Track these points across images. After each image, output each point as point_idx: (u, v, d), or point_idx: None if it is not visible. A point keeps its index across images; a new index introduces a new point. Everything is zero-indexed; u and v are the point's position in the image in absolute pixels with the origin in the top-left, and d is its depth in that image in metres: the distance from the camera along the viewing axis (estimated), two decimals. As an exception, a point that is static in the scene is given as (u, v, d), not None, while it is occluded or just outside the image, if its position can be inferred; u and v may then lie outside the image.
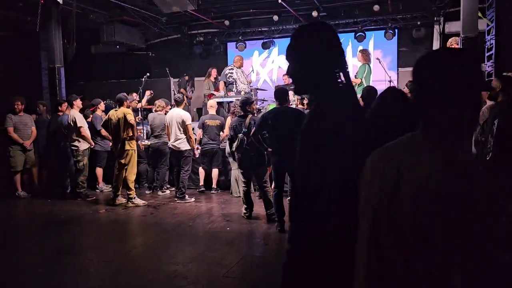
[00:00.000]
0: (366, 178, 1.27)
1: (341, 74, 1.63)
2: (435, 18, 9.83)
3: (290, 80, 8.31)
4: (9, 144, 7.03)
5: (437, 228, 1.02)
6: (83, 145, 6.76)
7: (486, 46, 7.06)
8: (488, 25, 7.03)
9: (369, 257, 1.18)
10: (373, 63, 8.56)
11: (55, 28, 7.86)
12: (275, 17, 10.49)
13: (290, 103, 7.22)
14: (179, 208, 6.16)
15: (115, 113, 6.31)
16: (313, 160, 1.58)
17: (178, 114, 6.51)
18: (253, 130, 5.10)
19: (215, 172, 7.07)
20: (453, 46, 6.53)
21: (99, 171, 7.50)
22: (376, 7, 9.57)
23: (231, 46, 11.89)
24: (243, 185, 5.51)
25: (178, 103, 6.68)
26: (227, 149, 6.80)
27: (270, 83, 11.70)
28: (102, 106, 7.56)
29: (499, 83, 4.83)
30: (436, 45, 9.91)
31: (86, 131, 6.74)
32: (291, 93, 7.74)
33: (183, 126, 6.45)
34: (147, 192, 7.25)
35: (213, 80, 9.66)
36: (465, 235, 1.00)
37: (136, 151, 6.45)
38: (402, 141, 1.29)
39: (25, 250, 4.62)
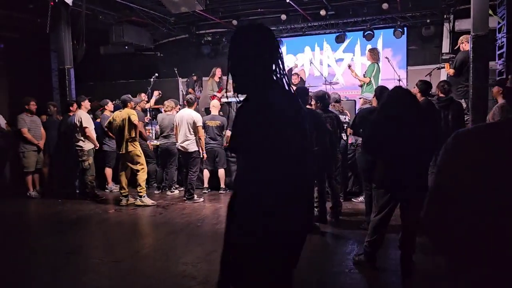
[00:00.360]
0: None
1: (278, 75, 1.69)
2: (445, 16, 9.72)
3: (299, 80, 8.33)
4: (21, 145, 7.11)
5: None
6: (87, 145, 6.80)
7: (497, 44, 6.97)
8: (499, 22, 6.93)
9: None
10: (382, 62, 8.50)
11: (64, 29, 7.92)
12: (283, 16, 10.47)
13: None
14: (188, 208, 6.18)
15: (120, 114, 6.38)
16: (243, 157, 1.64)
17: (189, 115, 6.52)
18: None
19: (221, 172, 7.08)
20: (463, 44, 6.47)
21: (108, 171, 7.56)
22: (385, 5, 9.49)
23: (239, 45, 11.88)
24: None
25: (189, 104, 6.69)
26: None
27: (278, 82, 11.67)
28: (110, 106, 7.61)
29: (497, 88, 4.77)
30: (446, 43, 9.80)
31: (91, 132, 6.77)
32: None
33: (194, 127, 6.46)
34: (156, 192, 7.29)
35: (218, 80, 9.66)
36: None
37: (141, 151, 6.47)
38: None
39: (36, 249, 4.66)
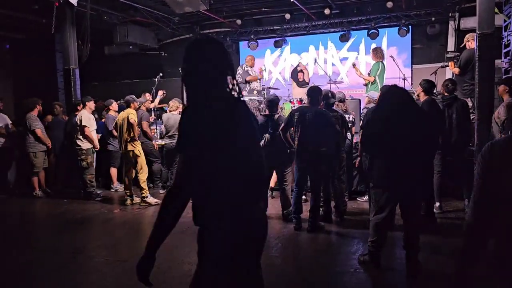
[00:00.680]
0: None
1: (228, 86, 1.84)
2: (450, 14, 9.65)
3: (303, 78, 8.27)
4: (33, 145, 7.16)
5: None
6: (86, 144, 6.82)
7: (503, 43, 6.92)
8: (505, 20, 6.89)
9: None
10: (387, 61, 8.46)
11: (69, 30, 7.95)
12: (287, 16, 10.45)
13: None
14: (193, 208, 6.17)
15: (122, 114, 6.45)
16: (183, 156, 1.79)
17: (191, 114, 6.53)
18: (282, 126, 5.06)
19: None
20: (469, 42, 6.42)
21: (113, 171, 7.58)
22: (389, 4, 9.45)
23: (243, 45, 11.90)
24: None
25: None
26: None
27: (283, 81, 11.67)
28: (115, 106, 7.64)
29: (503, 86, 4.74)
30: (451, 41, 9.74)
31: (90, 132, 6.78)
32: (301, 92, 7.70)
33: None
34: (161, 191, 7.30)
35: None
36: None
37: (141, 151, 6.47)
38: None
39: (41, 249, 4.69)
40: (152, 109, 8.55)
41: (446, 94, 5.33)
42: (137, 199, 6.53)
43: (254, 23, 11.44)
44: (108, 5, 9.24)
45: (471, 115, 5.80)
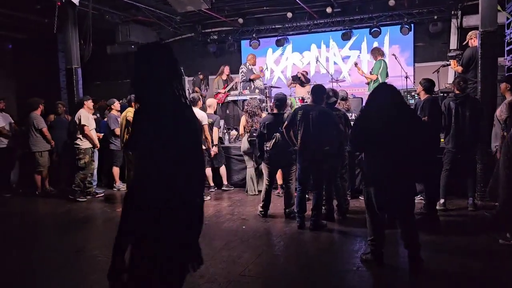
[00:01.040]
0: None
1: (175, 90, 1.95)
2: (453, 12, 9.63)
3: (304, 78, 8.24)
4: (39, 144, 7.19)
5: None
6: (85, 144, 6.81)
7: (506, 40, 6.90)
8: (508, 18, 6.86)
9: None
10: (389, 59, 8.45)
11: (71, 29, 7.96)
12: (289, 14, 10.44)
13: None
14: (195, 207, 6.18)
15: (123, 114, 6.51)
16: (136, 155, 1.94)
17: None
18: (285, 124, 5.05)
19: (222, 169, 7.10)
20: (472, 40, 6.40)
21: (116, 170, 7.59)
22: (391, 2, 9.43)
23: (245, 44, 11.90)
24: (266, 182, 5.49)
25: (193, 103, 6.68)
26: (243, 147, 6.81)
27: (284, 80, 11.66)
28: (117, 106, 7.64)
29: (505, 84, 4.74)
30: (453, 39, 9.71)
31: (89, 131, 6.77)
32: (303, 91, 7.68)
33: (199, 126, 6.46)
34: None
35: (225, 78, 9.69)
36: None
37: None
38: None
39: (44, 248, 4.71)
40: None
41: (458, 92, 5.33)
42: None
43: (256, 22, 11.43)
44: (110, 5, 9.26)
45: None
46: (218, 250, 4.26)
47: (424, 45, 10.46)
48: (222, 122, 7.70)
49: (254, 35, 11.35)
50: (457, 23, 9.60)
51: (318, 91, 5.02)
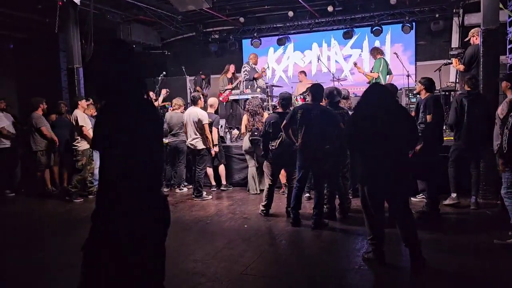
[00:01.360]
0: None
1: (139, 89, 2.06)
2: (454, 10, 9.61)
3: (306, 78, 8.33)
4: (40, 144, 7.20)
5: None
6: (83, 145, 6.77)
7: (508, 38, 6.88)
8: (509, 16, 6.84)
9: None
10: (391, 58, 8.43)
11: (73, 29, 7.97)
12: (290, 13, 10.43)
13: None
14: (197, 206, 6.20)
15: None
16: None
17: (195, 113, 6.53)
18: (284, 123, 5.03)
19: (221, 168, 7.09)
20: (474, 38, 6.39)
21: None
22: (393, 1, 9.41)
23: (246, 43, 11.90)
24: (269, 182, 5.48)
25: (194, 102, 6.69)
26: (244, 146, 6.81)
27: (286, 79, 11.67)
28: None
29: (506, 82, 4.74)
30: (455, 38, 9.69)
31: (88, 131, 6.73)
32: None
33: (200, 125, 6.46)
34: (165, 189, 7.31)
35: (230, 76, 9.71)
36: None
37: None
38: None
39: (47, 248, 4.71)
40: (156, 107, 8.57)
41: (469, 89, 5.35)
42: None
43: (257, 21, 11.43)
44: (111, 4, 9.26)
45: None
46: (220, 249, 4.26)
47: (426, 44, 10.44)
48: (223, 122, 7.69)
49: (255, 34, 11.35)
50: (459, 21, 9.58)
51: (318, 90, 5.02)
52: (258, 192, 6.72)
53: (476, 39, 6.29)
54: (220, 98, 9.42)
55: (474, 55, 6.21)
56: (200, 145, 6.51)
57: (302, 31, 11.29)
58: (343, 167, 5.45)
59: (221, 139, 7.42)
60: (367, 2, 10.24)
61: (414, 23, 10.20)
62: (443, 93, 7.77)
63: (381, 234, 3.68)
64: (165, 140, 7.50)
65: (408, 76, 7.93)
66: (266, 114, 6.85)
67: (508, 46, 6.86)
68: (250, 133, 6.70)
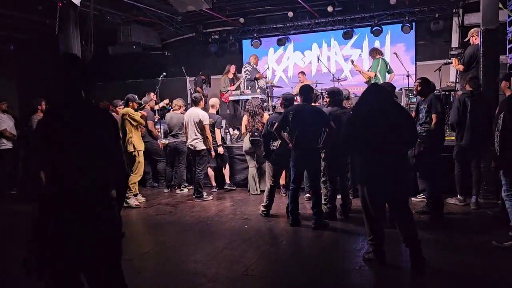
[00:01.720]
0: None
1: (82, 92, 2.20)
2: (454, 10, 9.62)
3: (306, 78, 8.35)
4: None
5: None
6: None
7: (508, 38, 6.88)
8: (509, 16, 6.85)
9: None
10: (391, 58, 8.42)
11: (73, 30, 7.96)
12: (290, 14, 10.44)
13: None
14: (197, 206, 6.20)
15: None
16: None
17: (196, 113, 6.53)
18: (276, 125, 5.05)
19: (225, 169, 7.11)
20: (474, 38, 6.39)
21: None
22: (392, 1, 9.42)
23: (246, 43, 11.90)
24: (271, 183, 5.48)
25: (195, 103, 6.69)
26: (244, 147, 6.81)
27: (286, 79, 11.68)
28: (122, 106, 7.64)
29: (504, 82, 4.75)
30: (455, 37, 9.70)
31: None
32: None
33: (200, 125, 6.46)
34: (166, 190, 7.32)
35: (231, 77, 9.71)
36: None
37: (139, 152, 6.40)
38: None
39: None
40: (156, 109, 8.58)
41: (470, 89, 5.36)
42: (142, 198, 6.57)
43: (257, 21, 11.44)
44: (111, 5, 9.27)
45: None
46: (221, 250, 4.27)
47: (426, 44, 10.45)
48: (223, 122, 7.70)
49: (255, 35, 11.35)
50: (459, 21, 9.59)
51: (307, 91, 5.09)
52: (259, 192, 6.72)
53: (476, 39, 6.30)
54: (222, 99, 9.42)
55: (474, 55, 6.22)
56: (200, 146, 6.51)
57: (302, 32, 11.29)
58: (344, 167, 5.46)
59: (222, 139, 7.42)
60: (367, 2, 10.25)
61: (414, 23, 10.21)
62: (443, 92, 7.78)
63: (381, 234, 3.68)
64: (165, 141, 7.51)
65: (408, 76, 7.94)
66: (266, 115, 6.85)
67: (508, 46, 6.86)
68: (250, 133, 6.70)
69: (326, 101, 5.58)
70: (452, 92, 7.82)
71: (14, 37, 10.92)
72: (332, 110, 5.19)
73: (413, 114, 5.40)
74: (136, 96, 6.72)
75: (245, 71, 9.26)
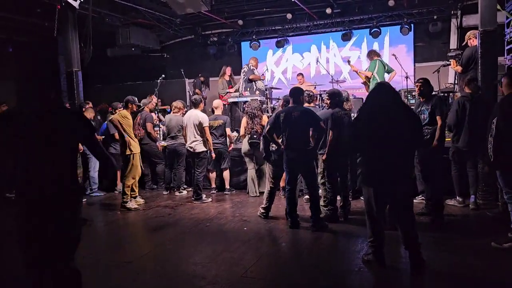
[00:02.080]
0: None
1: (50, 93, 2.30)
2: (452, 12, 9.64)
3: (305, 80, 8.32)
4: None
5: None
6: None
7: (506, 40, 6.89)
8: (507, 17, 6.86)
9: None
10: (390, 59, 8.43)
11: (72, 32, 7.98)
12: (289, 15, 10.46)
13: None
14: (196, 209, 6.19)
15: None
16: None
17: (195, 115, 6.52)
18: (267, 128, 5.09)
19: (226, 173, 7.09)
20: (471, 40, 6.41)
21: (117, 173, 7.59)
22: (391, 2, 9.45)
23: (245, 45, 11.91)
24: (271, 184, 5.48)
25: (195, 105, 6.68)
26: (243, 149, 6.81)
27: (285, 81, 11.69)
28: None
29: (507, 79, 4.76)
30: (453, 39, 9.72)
31: None
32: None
33: (200, 127, 6.46)
34: (165, 192, 7.31)
35: (227, 79, 9.71)
36: None
37: (135, 155, 6.27)
38: None
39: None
40: (156, 110, 8.57)
41: (469, 91, 5.37)
42: (141, 200, 6.56)
43: (256, 23, 11.45)
44: (110, 8, 9.28)
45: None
46: (220, 252, 4.26)
47: (424, 45, 10.47)
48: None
49: (254, 37, 11.37)
50: (457, 23, 9.61)
51: (297, 93, 5.13)
52: (258, 194, 6.72)
53: (473, 41, 6.31)
54: (222, 101, 9.42)
55: (472, 57, 6.23)
56: (199, 148, 6.50)
57: (300, 33, 11.31)
58: (344, 168, 5.46)
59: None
60: (365, 4, 10.27)
61: (412, 25, 10.23)
62: (442, 94, 7.79)
63: (381, 236, 3.68)
64: (164, 143, 7.51)
65: (406, 77, 7.95)
66: (265, 117, 6.85)
67: (506, 47, 6.87)
68: (249, 135, 6.70)
69: (326, 103, 5.58)
70: (451, 94, 7.83)
71: (13, 39, 10.92)
72: (334, 112, 5.21)
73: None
74: (136, 98, 6.70)
75: (242, 72, 9.27)
